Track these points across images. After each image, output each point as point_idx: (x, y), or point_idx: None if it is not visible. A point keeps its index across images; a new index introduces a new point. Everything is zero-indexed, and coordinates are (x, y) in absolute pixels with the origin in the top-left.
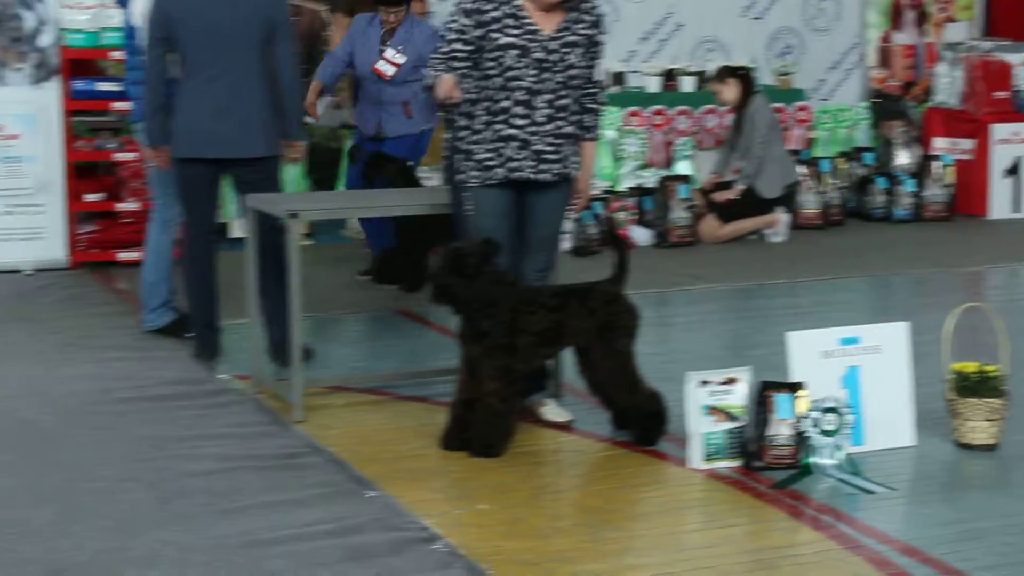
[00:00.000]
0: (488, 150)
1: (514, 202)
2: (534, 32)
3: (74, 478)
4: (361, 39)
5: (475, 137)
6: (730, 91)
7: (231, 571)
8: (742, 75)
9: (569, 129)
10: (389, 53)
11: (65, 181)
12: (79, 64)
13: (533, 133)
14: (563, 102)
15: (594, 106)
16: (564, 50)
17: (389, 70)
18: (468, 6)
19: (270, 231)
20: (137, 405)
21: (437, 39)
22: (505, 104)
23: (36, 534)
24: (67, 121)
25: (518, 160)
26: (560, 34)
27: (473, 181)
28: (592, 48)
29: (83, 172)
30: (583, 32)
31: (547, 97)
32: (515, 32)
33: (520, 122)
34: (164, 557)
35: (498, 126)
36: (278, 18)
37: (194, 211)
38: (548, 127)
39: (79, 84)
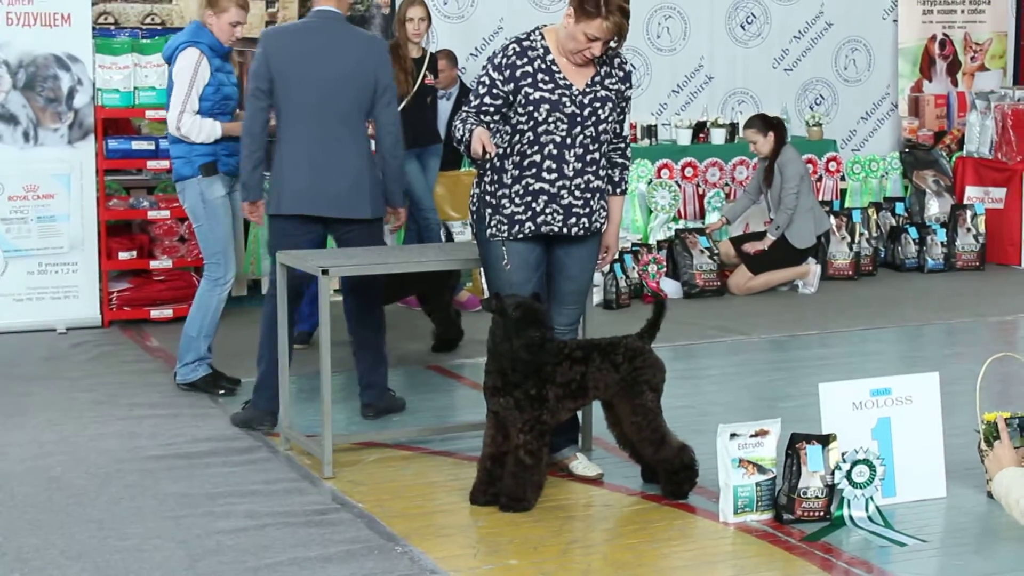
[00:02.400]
0: (517, 204)
1: (543, 255)
2: (567, 87)
3: (104, 536)
4: None
5: (504, 190)
6: (766, 142)
7: None
8: (776, 125)
9: (598, 183)
10: None
11: (98, 240)
12: (113, 123)
13: (563, 187)
14: (593, 156)
15: (623, 160)
16: (595, 105)
17: None
18: (500, 60)
19: (359, 288)
20: (168, 463)
21: None
22: (535, 158)
23: None
24: (101, 180)
25: (547, 214)
26: (591, 89)
27: (502, 235)
28: (621, 102)
29: (116, 230)
30: (613, 87)
31: (577, 151)
32: (547, 87)
33: (550, 176)
34: None
35: (528, 180)
36: (383, 80)
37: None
38: (578, 181)
39: (113, 143)
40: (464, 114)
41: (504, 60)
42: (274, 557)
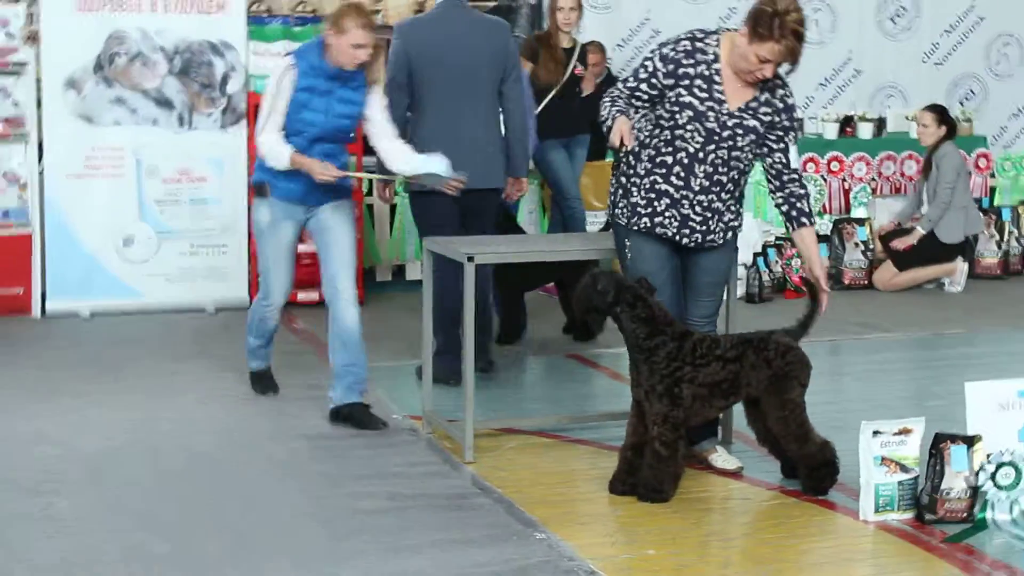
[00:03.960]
0: (643, 196)
1: (673, 248)
2: (719, 102)
3: (249, 511)
4: None
5: (636, 179)
6: (934, 133)
7: None
8: (952, 124)
9: (718, 205)
10: None
11: (248, 223)
12: None
13: (685, 198)
14: (721, 178)
15: (802, 191)
16: (738, 130)
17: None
18: (669, 53)
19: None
20: (313, 443)
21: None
22: (667, 160)
23: (211, 565)
24: (252, 164)
25: (665, 217)
26: (741, 114)
27: (623, 220)
28: (774, 132)
29: None
30: (766, 117)
31: (707, 169)
32: (700, 96)
33: (677, 182)
34: None
35: (656, 178)
36: (512, 59)
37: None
38: (700, 197)
39: None
40: (616, 92)
41: (672, 54)
42: (414, 539)
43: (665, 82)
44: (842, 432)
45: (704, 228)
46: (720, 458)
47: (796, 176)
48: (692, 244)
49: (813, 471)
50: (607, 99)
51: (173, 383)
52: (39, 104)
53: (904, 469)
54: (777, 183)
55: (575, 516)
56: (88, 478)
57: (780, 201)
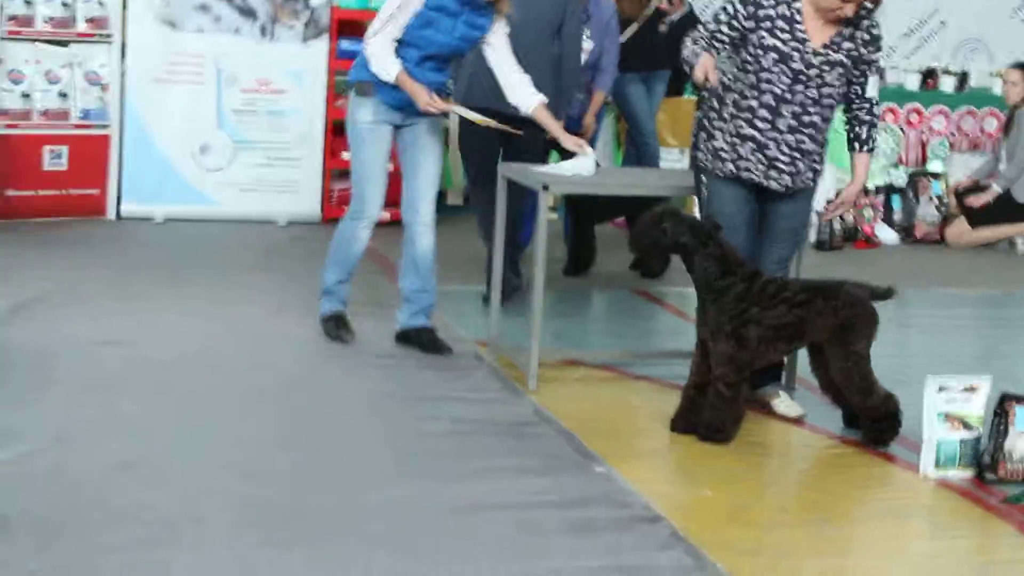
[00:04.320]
0: (727, 141)
1: (752, 191)
2: (801, 42)
3: (314, 425)
4: None
5: (720, 123)
6: (1019, 90)
7: (454, 533)
8: None
9: (811, 146)
10: None
11: (323, 138)
12: (347, 24)
13: (773, 140)
14: (810, 118)
15: (870, 118)
16: (824, 67)
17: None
18: None
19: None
20: (379, 360)
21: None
22: (752, 104)
23: (273, 476)
24: (331, 79)
25: (750, 161)
26: (826, 51)
27: (706, 164)
28: (861, 65)
29: (341, 130)
30: (852, 51)
31: (795, 109)
32: (783, 37)
33: (762, 125)
34: (391, 512)
35: (740, 123)
36: (573, 3)
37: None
38: (788, 138)
39: (346, 44)
40: (697, 34)
41: None
42: (475, 464)
43: (746, 24)
44: (905, 386)
45: (792, 169)
46: (782, 404)
47: (867, 104)
48: (781, 188)
49: (875, 423)
50: (688, 40)
51: (242, 294)
52: (124, 6)
53: (967, 426)
54: (846, 108)
55: (634, 451)
56: (154, 383)
57: (845, 124)
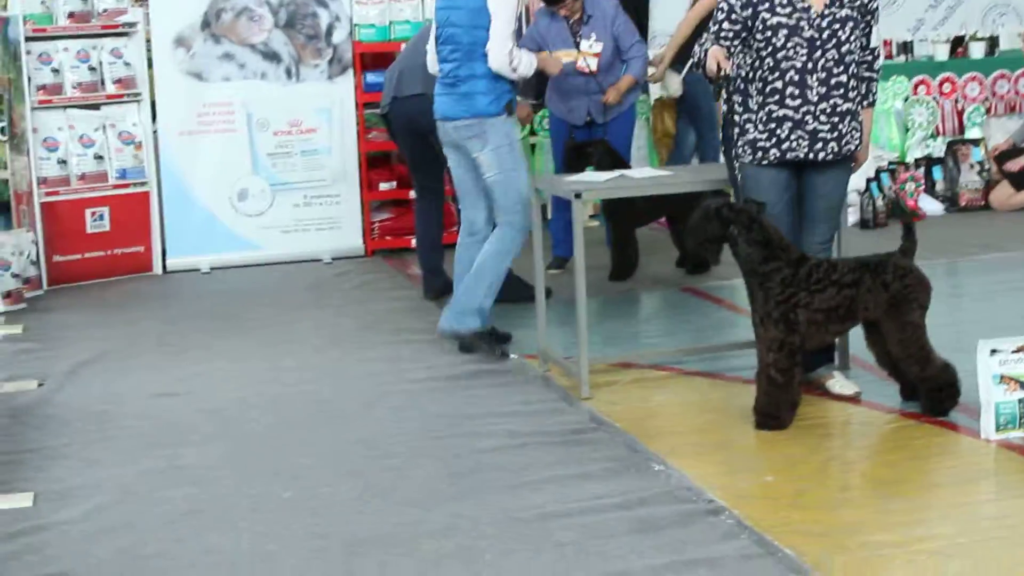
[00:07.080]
0: (761, 130)
1: (791, 176)
2: (804, 10)
3: (372, 455)
4: (549, 35)
5: (749, 115)
6: None
7: (522, 543)
8: None
9: (846, 106)
10: (584, 45)
11: (359, 171)
12: (370, 57)
13: (807, 113)
14: (838, 79)
15: (869, 74)
16: (835, 27)
17: (592, 64)
18: None
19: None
20: (430, 385)
21: (622, 10)
22: (777, 84)
23: (336, 508)
24: (360, 113)
25: (792, 140)
26: (831, 10)
27: (747, 158)
28: (865, 17)
29: (376, 162)
30: (855, 3)
31: (821, 76)
32: (784, 11)
33: (793, 103)
34: (458, 529)
35: (771, 107)
36: None
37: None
38: (823, 106)
39: (371, 77)
40: (704, 40)
41: None
42: (534, 475)
43: (744, 13)
44: (962, 353)
45: (836, 135)
46: (838, 383)
47: (869, 57)
48: (830, 157)
49: (934, 392)
50: (696, 47)
51: (293, 332)
52: (150, 64)
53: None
54: (853, 67)
55: (692, 447)
56: (213, 429)
57: (853, 84)
